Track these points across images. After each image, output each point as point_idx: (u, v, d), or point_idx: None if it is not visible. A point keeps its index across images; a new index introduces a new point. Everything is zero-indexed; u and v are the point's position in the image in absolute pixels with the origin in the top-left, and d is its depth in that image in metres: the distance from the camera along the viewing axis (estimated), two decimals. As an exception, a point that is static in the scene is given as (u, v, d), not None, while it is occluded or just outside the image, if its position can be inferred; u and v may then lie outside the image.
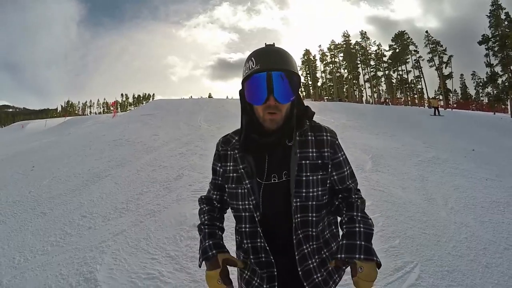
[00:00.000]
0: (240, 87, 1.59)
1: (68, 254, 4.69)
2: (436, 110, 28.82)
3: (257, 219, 1.54)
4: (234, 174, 1.64)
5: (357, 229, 1.48)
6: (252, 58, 1.48)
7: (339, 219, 1.67)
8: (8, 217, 6.45)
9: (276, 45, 1.57)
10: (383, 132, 14.56)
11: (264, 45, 1.58)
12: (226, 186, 1.69)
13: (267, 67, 1.43)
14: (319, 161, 1.58)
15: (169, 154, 9.97)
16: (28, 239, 5.36)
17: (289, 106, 1.54)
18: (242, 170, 1.58)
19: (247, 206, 1.57)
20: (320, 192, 1.56)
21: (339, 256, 1.43)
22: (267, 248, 1.54)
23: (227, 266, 1.55)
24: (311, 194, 1.54)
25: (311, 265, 1.57)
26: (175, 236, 4.88)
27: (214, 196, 1.79)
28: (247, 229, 1.60)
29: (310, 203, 1.54)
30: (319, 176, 1.57)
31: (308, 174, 1.54)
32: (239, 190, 1.60)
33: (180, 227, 5.12)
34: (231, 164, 1.66)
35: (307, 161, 1.56)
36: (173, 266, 4.14)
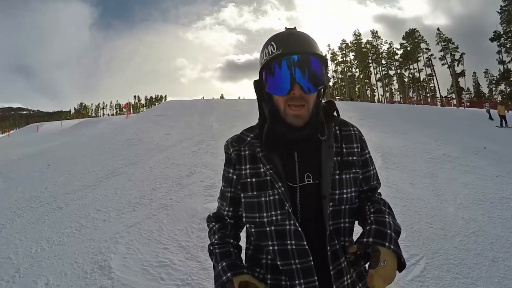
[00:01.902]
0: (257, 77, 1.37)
1: (83, 244, 4.86)
2: (504, 120, 22.60)
3: (294, 232, 1.26)
4: (254, 179, 1.34)
5: (387, 219, 1.25)
6: (272, 43, 1.27)
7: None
8: (25, 211, 6.67)
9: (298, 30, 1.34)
10: (394, 130, 14.51)
11: (284, 29, 1.35)
12: (242, 195, 1.37)
13: (291, 50, 1.22)
14: (350, 158, 1.37)
15: (182, 153, 10.08)
16: (44, 231, 5.55)
17: (315, 97, 1.31)
18: (271, 171, 1.29)
19: (273, 218, 1.28)
20: (353, 194, 1.34)
21: (365, 240, 1.18)
22: (311, 264, 1.25)
23: None
24: (344, 196, 1.31)
25: (346, 282, 1.29)
26: (187, 228, 5.02)
27: (226, 213, 1.46)
28: (276, 247, 1.30)
29: (343, 207, 1.32)
30: (352, 175, 1.35)
31: (342, 172, 1.32)
32: (263, 199, 1.31)
33: (191, 220, 5.25)
34: (248, 167, 1.37)
35: (339, 158, 1.34)
36: (184, 255, 4.28)
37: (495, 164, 8.94)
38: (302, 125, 1.28)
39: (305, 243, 1.24)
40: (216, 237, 1.42)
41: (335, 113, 1.43)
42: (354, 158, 1.38)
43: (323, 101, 1.43)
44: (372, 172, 1.46)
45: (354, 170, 1.36)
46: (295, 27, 1.34)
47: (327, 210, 1.26)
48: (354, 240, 1.35)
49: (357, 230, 1.34)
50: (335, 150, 1.34)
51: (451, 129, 16.07)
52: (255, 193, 1.32)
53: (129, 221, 5.50)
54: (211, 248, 1.40)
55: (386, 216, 1.27)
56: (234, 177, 1.41)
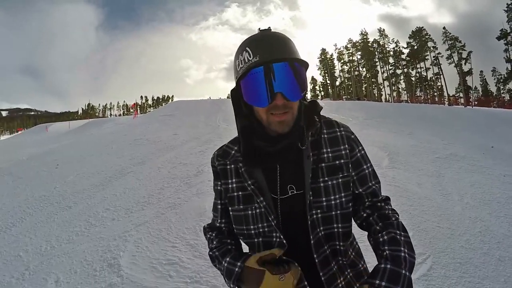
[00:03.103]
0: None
1: (92, 243, 4.94)
2: None
3: (280, 244, 1.26)
4: (240, 193, 1.35)
5: (403, 254, 1.15)
6: (247, 49, 1.21)
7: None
8: (35, 210, 6.74)
9: (273, 30, 1.28)
10: (401, 130, 14.44)
11: (257, 31, 1.29)
12: (230, 208, 1.39)
13: (269, 57, 1.15)
14: (337, 162, 1.32)
15: (189, 152, 10.11)
16: (54, 230, 5.64)
17: (298, 102, 1.27)
18: (252, 186, 1.29)
19: (260, 230, 1.30)
20: (344, 199, 1.30)
21: (377, 282, 1.07)
22: (303, 277, 1.23)
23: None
24: (333, 202, 1.28)
25: (340, 285, 1.28)
26: (195, 226, 5.08)
27: (219, 225, 1.48)
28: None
29: (333, 212, 1.28)
30: (340, 180, 1.31)
31: (326, 179, 1.29)
32: (249, 212, 1.32)
33: (199, 219, 5.32)
34: (234, 180, 1.38)
35: (323, 164, 1.31)
36: (193, 253, 4.34)
37: (502, 163, 8.85)
38: (288, 131, 1.25)
39: (284, 258, 1.22)
40: (214, 242, 1.42)
41: (317, 117, 1.36)
42: (342, 161, 1.33)
43: (305, 103, 1.40)
44: (367, 170, 1.40)
45: (341, 175, 1.32)
46: (269, 28, 1.28)
47: (310, 218, 1.25)
48: (351, 243, 1.39)
49: (358, 232, 1.36)
50: (316, 157, 1.30)
51: (458, 128, 15.92)
52: (241, 206, 1.34)
53: (138, 220, 5.57)
54: (211, 253, 1.39)
55: (402, 249, 1.17)
56: (222, 189, 1.42)
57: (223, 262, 1.29)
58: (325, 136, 1.36)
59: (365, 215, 1.37)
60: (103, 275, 4.05)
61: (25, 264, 4.58)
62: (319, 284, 1.26)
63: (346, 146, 1.36)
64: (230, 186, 1.38)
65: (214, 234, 1.46)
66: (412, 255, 1.17)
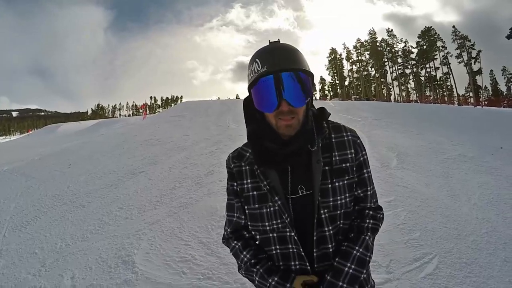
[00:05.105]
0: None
1: (107, 240, 5.07)
2: None
3: (293, 239, 1.39)
4: (255, 192, 1.46)
5: (346, 269, 1.37)
6: (257, 60, 1.33)
7: None
8: (49, 209, 6.91)
9: (282, 42, 1.41)
10: (410, 130, 14.38)
11: (268, 43, 1.41)
12: (246, 207, 1.50)
13: (275, 67, 1.27)
14: (343, 165, 1.44)
15: (200, 153, 10.15)
16: (68, 228, 5.79)
17: (304, 108, 1.38)
18: (268, 187, 1.41)
19: (275, 226, 1.42)
20: (348, 199, 1.44)
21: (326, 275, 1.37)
22: (308, 268, 1.39)
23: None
24: (339, 202, 1.41)
25: None
26: (207, 225, 5.19)
27: (239, 220, 1.56)
28: (278, 251, 1.44)
29: (338, 212, 1.42)
30: (345, 182, 1.43)
31: (334, 180, 1.41)
32: (264, 210, 1.44)
33: (211, 218, 5.42)
34: (249, 181, 1.49)
35: (331, 167, 1.41)
36: (205, 251, 4.46)
37: (511, 164, 8.86)
38: (294, 134, 1.36)
39: (301, 249, 1.39)
40: (248, 255, 1.49)
41: (325, 122, 1.47)
42: (348, 164, 1.45)
43: (314, 109, 1.53)
44: (366, 175, 1.52)
45: (347, 177, 1.44)
46: (278, 40, 1.41)
47: (319, 217, 1.38)
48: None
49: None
50: (325, 160, 1.42)
51: (467, 129, 15.75)
52: (256, 205, 1.46)
53: (151, 218, 5.69)
54: (251, 268, 1.47)
55: (349, 264, 1.37)
56: (238, 189, 1.53)
57: (270, 280, 1.40)
58: (333, 140, 1.47)
59: (352, 217, 1.51)
60: (118, 271, 4.17)
61: (41, 261, 4.73)
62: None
63: (352, 150, 1.48)
64: (245, 186, 1.49)
65: (240, 245, 1.53)
66: (359, 270, 1.37)
